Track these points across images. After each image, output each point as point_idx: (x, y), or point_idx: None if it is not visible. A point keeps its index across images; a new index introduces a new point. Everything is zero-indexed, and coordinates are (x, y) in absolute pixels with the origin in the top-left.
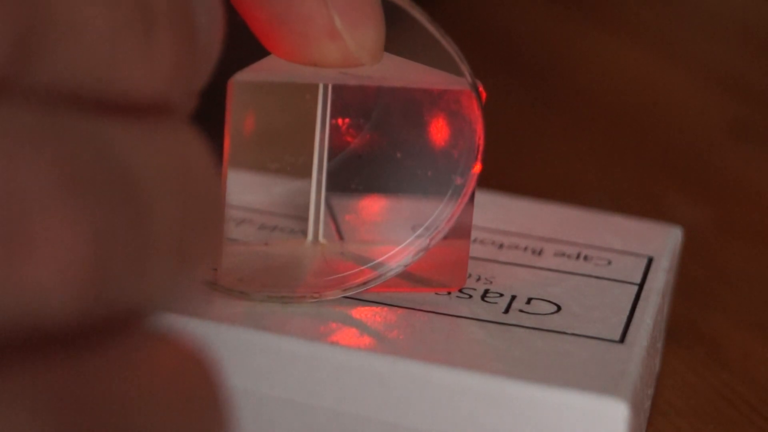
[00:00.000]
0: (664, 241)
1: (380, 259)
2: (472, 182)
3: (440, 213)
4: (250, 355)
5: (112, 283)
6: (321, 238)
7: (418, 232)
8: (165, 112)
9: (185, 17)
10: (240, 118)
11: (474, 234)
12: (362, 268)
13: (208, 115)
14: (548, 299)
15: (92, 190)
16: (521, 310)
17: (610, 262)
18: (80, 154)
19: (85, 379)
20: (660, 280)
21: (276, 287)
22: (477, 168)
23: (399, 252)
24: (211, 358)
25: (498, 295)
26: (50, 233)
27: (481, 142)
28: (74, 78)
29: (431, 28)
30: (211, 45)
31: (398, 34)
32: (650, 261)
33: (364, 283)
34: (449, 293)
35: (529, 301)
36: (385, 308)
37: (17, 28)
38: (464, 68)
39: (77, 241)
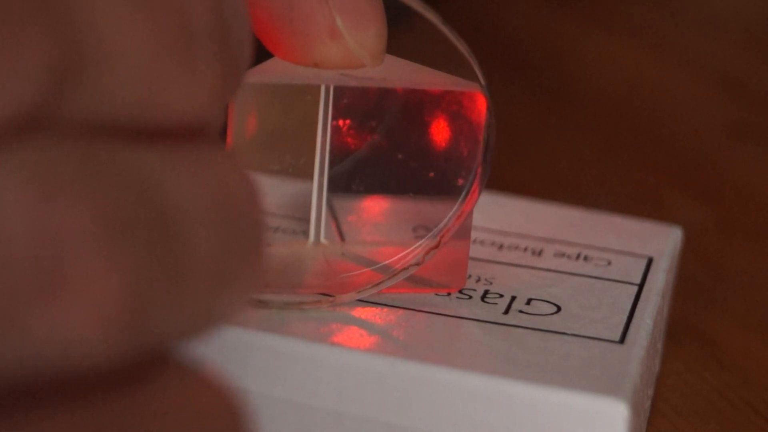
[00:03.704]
0: (664, 241)
1: (387, 261)
2: (478, 181)
3: (454, 212)
4: (251, 356)
5: (150, 320)
6: (323, 239)
7: (431, 233)
8: (203, 132)
9: (224, 37)
10: (242, 120)
11: (474, 235)
12: (367, 269)
13: None
14: (548, 300)
15: (131, 228)
16: (521, 311)
17: (610, 263)
18: (119, 191)
19: (117, 422)
20: (660, 281)
21: (278, 288)
22: (481, 168)
23: (408, 253)
24: (241, 397)
25: (498, 295)
26: (87, 275)
27: (490, 141)
28: (116, 107)
29: (443, 29)
30: (242, 61)
31: (401, 35)
32: (650, 261)
33: (377, 285)
34: (449, 294)
35: (529, 301)
36: (386, 309)
37: (54, 56)
38: (477, 69)
39: (115, 283)
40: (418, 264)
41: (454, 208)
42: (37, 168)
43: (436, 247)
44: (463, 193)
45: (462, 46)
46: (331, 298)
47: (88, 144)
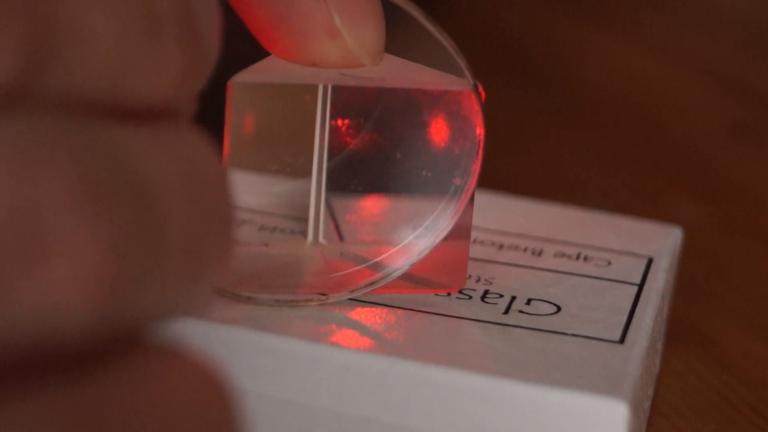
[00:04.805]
0: (664, 241)
1: (381, 258)
2: (473, 179)
3: (441, 212)
4: (251, 356)
5: (128, 293)
6: (321, 239)
7: (418, 231)
8: (172, 116)
9: (189, 21)
10: (239, 119)
11: (474, 235)
12: (363, 267)
13: (208, 116)
14: (548, 300)
15: (108, 200)
16: (521, 311)
17: (610, 263)
18: (95, 163)
19: (98, 398)
20: (660, 281)
21: (276, 288)
22: (477, 165)
23: (400, 252)
24: (225, 374)
25: (498, 295)
26: (67, 245)
27: (482, 139)
28: (86, 86)
29: (429, 25)
30: (211, 47)
31: (398, 35)
32: (650, 261)
33: (370, 284)
34: (449, 294)
35: (528, 301)
36: (385, 309)
37: (29, 37)
38: (462, 64)
39: (95, 253)
40: (412, 264)
41: (440, 207)
42: (16, 140)
43: (431, 246)
44: (450, 192)
45: (447, 41)
46: (322, 297)
47: (65, 119)
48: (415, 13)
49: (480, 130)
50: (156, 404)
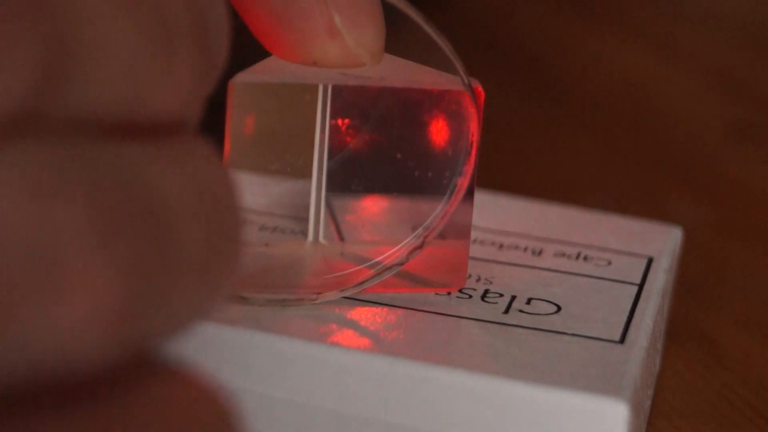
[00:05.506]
0: (664, 241)
1: (376, 259)
2: (465, 179)
3: (439, 212)
4: (251, 356)
5: (142, 316)
6: (321, 239)
7: (418, 231)
8: (181, 128)
9: (201, 31)
10: (240, 120)
11: (474, 234)
12: (359, 267)
13: (207, 116)
14: (548, 299)
15: (123, 224)
16: (521, 311)
17: (610, 263)
18: (110, 187)
19: (109, 423)
20: (660, 281)
21: (276, 288)
22: (470, 166)
23: (396, 252)
24: (230, 398)
25: (498, 295)
26: (83, 274)
27: (475, 139)
28: (100, 102)
29: (425, 26)
30: (220, 55)
31: (398, 35)
32: (650, 261)
33: (361, 283)
34: (449, 293)
35: (529, 301)
36: (385, 309)
37: (42, 54)
38: (458, 65)
39: (110, 281)
40: (401, 264)
41: (439, 208)
42: (29, 166)
43: (420, 246)
44: (448, 193)
45: (443, 42)
46: (313, 296)
47: (76, 141)
48: (413, 14)
49: (474, 131)
50: (164, 426)
